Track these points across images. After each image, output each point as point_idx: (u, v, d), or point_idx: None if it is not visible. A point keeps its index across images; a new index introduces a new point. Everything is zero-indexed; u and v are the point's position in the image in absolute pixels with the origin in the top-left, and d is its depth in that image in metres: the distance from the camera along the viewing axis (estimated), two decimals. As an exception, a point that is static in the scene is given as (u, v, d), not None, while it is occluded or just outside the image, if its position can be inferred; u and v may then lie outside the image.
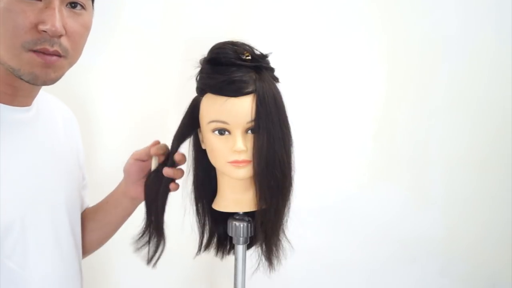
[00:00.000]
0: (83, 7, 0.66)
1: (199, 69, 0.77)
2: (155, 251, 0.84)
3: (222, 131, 0.73)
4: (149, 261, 0.84)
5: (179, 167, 0.83)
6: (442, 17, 1.28)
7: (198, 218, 0.85)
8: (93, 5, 0.71)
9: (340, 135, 1.28)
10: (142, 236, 0.84)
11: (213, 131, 0.74)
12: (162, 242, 0.84)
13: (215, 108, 0.73)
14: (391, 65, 1.27)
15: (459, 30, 1.29)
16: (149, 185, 0.83)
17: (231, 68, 0.73)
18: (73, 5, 0.65)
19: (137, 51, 1.15)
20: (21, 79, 0.63)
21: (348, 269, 1.33)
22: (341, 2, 1.24)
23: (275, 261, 0.83)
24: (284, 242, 0.83)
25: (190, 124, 0.79)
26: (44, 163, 0.73)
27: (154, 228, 0.83)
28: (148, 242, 0.84)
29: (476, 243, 1.37)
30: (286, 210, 0.80)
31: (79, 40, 0.67)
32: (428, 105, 1.31)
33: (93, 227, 0.90)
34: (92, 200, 0.93)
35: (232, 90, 0.72)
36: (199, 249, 0.88)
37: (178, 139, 0.80)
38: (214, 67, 0.74)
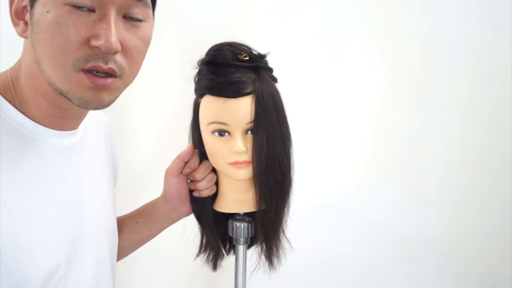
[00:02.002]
0: (142, 18, 0.57)
1: (197, 70, 0.77)
2: (216, 257, 0.86)
3: (221, 132, 0.73)
4: (213, 268, 0.87)
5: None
6: (441, 17, 1.28)
7: (198, 219, 0.85)
8: (153, 16, 0.61)
9: (339, 135, 1.28)
10: (201, 249, 0.87)
11: (213, 132, 0.74)
12: (220, 249, 0.86)
13: (214, 109, 0.73)
14: (390, 65, 1.28)
15: (458, 30, 1.29)
16: (195, 199, 0.82)
17: (230, 69, 0.73)
18: (130, 16, 0.55)
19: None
20: (71, 101, 0.55)
21: (346, 268, 1.33)
22: (340, 2, 1.24)
23: (275, 261, 0.84)
24: (284, 242, 0.84)
25: (198, 127, 0.79)
26: (88, 192, 0.66)
27: (209, 238, 0.85)
28: (206, 251, 0.86)
29: (473, 242, 1.37)
30: (286, 210, 0.80)
31: (136, 56, 0.57)
32: (426, 105, 1.31)
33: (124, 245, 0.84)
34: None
35: (231, 91, 0.72)
36: (200, 250, 0.88)
37: (200, 142, 0.79)
38: (212, 68, 0.74)
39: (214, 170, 0.81)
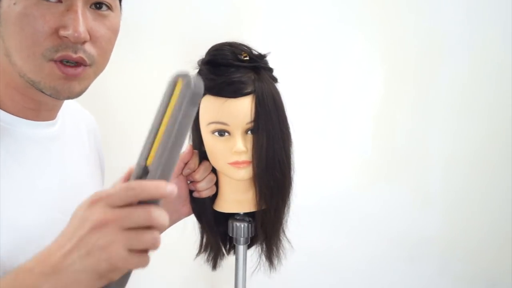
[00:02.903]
0: (109, 7, 0.58)
1: (197, 70, 0.77)
2: (216, 257, 0.86)
3: (222, 132, 0.73)
4: (213, 267, 0.87)
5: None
6: (442, 17, 1.28)
7: (198, 219, 0.85)
8: (120, 6, 0.63)
9: (339, 134, 1.28)
10: (201, 249, 0.87)
11: (213, 132, 0.74)
12: (220, 249, 0.86)
13: (214, 109, 0.73)
14: (390, 65, 1.28)
15: (459, 29, 1.29)
16: (195, 199, 0.82)
17: (230, 69, 0.73)
18: (98, 5, 0.57)
19: (136, 52, 1.15)
20: (43, 92, 0.57)
21: (347, 268, 1.33)
22: (340, 2, 1.24)
23: (275, 261, 0.84)
24: (284, 242, 0.83)
25: (199, 127, 0.78)
26: (70, 182, 0.67)
27: (209, 237, 0.85)
28: (206, 251, 0.86)
29: (475, 243, 1.37)
30: (286, 210, 0.80)
31: (106, 45, 0.59)
32: (427, 104, 1.31)
33: None
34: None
35: (231, 91, 0.72)
36: (200, 250, 0.88)
37: (200, 143, 0.79)
38: (212, 68, 0.74)
39: (214, 171, 0.81)
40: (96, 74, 0.60)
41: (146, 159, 0.45)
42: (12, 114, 0.60)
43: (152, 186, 0.44)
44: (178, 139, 0.44)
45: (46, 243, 0.48)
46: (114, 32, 0.60)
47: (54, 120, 0.65)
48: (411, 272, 1.36)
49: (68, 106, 0.70)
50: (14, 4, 0.53)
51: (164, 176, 0.45)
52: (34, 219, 0.58)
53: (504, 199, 1.36)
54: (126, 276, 0.45)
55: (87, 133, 0.77)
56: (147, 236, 0.43)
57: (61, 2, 0.54)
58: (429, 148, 1.33)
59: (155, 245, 0.44)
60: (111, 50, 0.61)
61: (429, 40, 1.28)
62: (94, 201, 0.44)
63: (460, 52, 1.30)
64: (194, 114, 0.46)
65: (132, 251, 0.43)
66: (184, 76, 0.44)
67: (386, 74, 1.28)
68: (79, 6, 0.54)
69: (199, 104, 0.76)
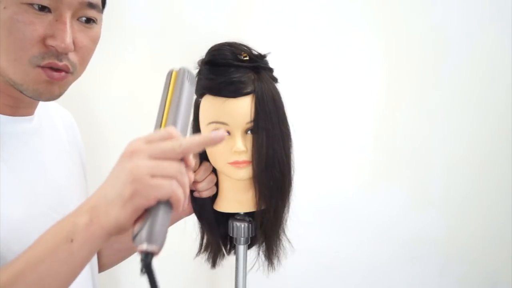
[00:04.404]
0: (94, 21, 0.61)
1: (197, 70, 0.77)
2: (216, 257, 0.86)
3: (221, 132, 0.73)
4: (212, 266, 0.87)
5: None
6: (443, 17, 1.28)
7: (199, 219, 0.85)
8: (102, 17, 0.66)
9: (340, 135, 1.28)
10: (201, 248, 0.87)
11: (213, 132, 0.74)
12: (220, 249, 0.86)
13: (214, 109, 0.73)
14: (392, 65, 1.27)
15: (460, 30, 1.29)
16: (195, 199, 0.82)
17: (229, 69, 0.73)
18: (85, 19, 0.60)
19: (136, 52, 1.15)
20: (22, 93, 0.59)
21: (348, 269, 1.33)
22: (340, 1, 1.24)
23: (275, 261, 0.84)
24: (284, 242, 0.83)
25: (199, 127, 0.79)
26: (52, 176, 0.68)
27: (209, 237, 0.85)
28: (207, 250, 0.86)
29: (476, 243, 1.37)
30: (285, 210, 0.80)
31: (87, 55, 0.63)
32: (429, 105, 1.31)
33: (121, 248, 0.85)
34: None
35: (231, 91, 0.72)
36: (200, 250, 0.88)
37: None
38: (212, 68, 0.74)
39: (214, 171, 0.81)
40: (74, 80, 0.63)
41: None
42: None
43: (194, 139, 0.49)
44: (185, 108, 0.52)
45: (33, 237, 0.50)
46: (96, 42, 0.64)
47: (32, 116, 0.67)
48: (412, 272, 1.36)
49: (42, 103, 0.71)
50: (4, 8, 0.55)
51: None
52: (20, 213, 0.60)
53: (505, 199, 1.36)
54: (162, 216, 0.45)
55: (64, 127, 0.79)
56: (172, 165, 0.46)
57: (50, 12, 0.56)
58: (430, 149, 1.33)
59: (179, 175, 0.46)
60: (90, 59, 0.64)
61: (431, 40, 1.28)
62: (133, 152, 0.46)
63: (461, 52, 1.30)
64: (193, 91, 0.55)
65: (156, 176, 0.45)
66: (176, 67, 0.54)
67: (388, 74, 1.28)
68: (68, 17, 0.57)
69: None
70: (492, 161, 1.35)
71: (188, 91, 0.53)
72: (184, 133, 0.51)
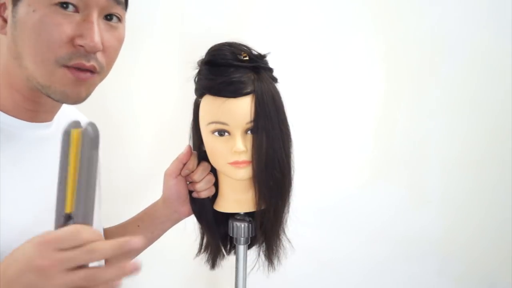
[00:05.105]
0: (119, 19, 0.61)
1: (197, 71, 0.78)
2: (215, 257, 0.86)
3: (221, 132, 0.73)
4: (212, 267, 0.87)
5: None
6: (441, 16, 1.28)
7: (199, 219, 0.86)
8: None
9: (339, 135, 1.28)
10: (201, 249, 0.87)
11: (213, 132, 0.74)
12: (220, 249, 0.86)
13: (214, 109, 0.73)
14: (390, 65, 1.27)
15: (459, 30, 1.29)
16: (194, 200, 0.82)
17: (229, 69, 0.73)
18: (109, 17, 0.60)
19: (136, 53, 1.15)
20: (50, 97, 0.59)
21: (347, 268, 1.33)
22: (340, 1, 1.24)
23: (275, 261, 0.84)
24: (284, 242, 0.84)
25: (198, 127, 0.79)
26: None
27: (209, 238, 0.85)
28: (207, 251, 0.87)
29: (474, 242, 1.37)
30: (285, 210, 0.80)
31: (114, 55, 0.62)
32: (427, 104, 1.31)
33: None
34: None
35: (231, 91, 0.72)
36: (200, 250, 0.88)
37: (200, 143, 0.79)
38: (212, 68, 0.74)
39: (213, 171, 0.81)
40: (100, 81, 0.63)
41: (65, 207, 0.48)
42: (10, 115, 0.61)
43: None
44: (90, 182, 0.48)
45: None
46: (121, 42, 0.64)
47: (50, 122, 0.67)
48: (410, 271, 1.36)
49: (64, 109, 0.71)
50: (33, 11, 0.55)
51: (87, 217, 0.48)
52: (30, 219, 0.59)
53: (503, 199, 1.36)
54: None
55: None
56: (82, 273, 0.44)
57: (77, 12, 0.56)
58: (429, 148, 1.33)
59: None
60: (115, 60, 0.64)
61: (431, 39, 1.28)
62: (42, 243, 0.45)
63: (460, 52, 1.30)
64: (98, 157, 0.50)
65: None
66: (76, 125, 0.49)
67: (387, 73, 1.28)
68: (95, 17, 0.57)
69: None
70: (491, 161, 1.35)
71: (95, 160, 0.48)
72: (90, 209, 0.48)
